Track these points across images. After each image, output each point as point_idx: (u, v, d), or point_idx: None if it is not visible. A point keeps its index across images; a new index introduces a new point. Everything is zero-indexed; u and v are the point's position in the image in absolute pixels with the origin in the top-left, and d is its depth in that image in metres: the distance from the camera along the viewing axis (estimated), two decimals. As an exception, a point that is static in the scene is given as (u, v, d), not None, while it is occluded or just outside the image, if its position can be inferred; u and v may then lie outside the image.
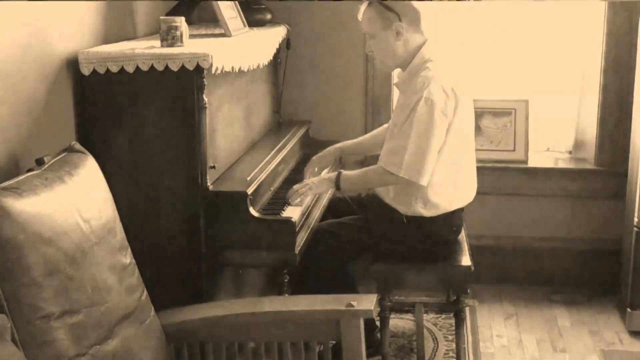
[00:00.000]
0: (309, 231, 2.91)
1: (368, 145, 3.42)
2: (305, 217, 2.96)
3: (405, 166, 2.88)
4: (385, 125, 3.36)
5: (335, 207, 3.32)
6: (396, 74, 3.17)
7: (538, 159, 4.08)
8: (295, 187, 3.00)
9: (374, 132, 3.45)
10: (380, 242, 3.08)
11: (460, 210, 3.12)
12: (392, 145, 2.96)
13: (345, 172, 3.07)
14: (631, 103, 3.68)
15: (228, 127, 2.98)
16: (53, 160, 2.09)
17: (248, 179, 2.80)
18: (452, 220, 3.08)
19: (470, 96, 3.07)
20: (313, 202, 3.14)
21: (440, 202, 3.00)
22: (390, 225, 3.06)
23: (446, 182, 2.99)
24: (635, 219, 3.50)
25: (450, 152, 2.95)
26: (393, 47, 2.97)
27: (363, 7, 3.00)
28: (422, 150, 2.87)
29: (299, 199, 2.97)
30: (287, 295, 2.79)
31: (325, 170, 3.31)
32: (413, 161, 2.88)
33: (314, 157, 3.31)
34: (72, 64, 2.54)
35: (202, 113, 2.56)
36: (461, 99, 2.92)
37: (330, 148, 3.37)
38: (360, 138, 3.47)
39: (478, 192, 3.19)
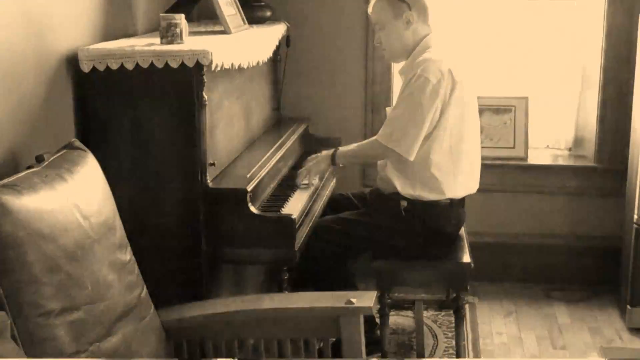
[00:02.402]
0: (309, 228, 2.91)
1: None
2: (305, 213, 2.96)
3: (394, 138, 2.97)
4: None
5: (335, 203, 3.32)
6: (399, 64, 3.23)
7: (538, 156, 4.08)
8: (299, 171, 3.17)
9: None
10: (380, 236, 3.08)
11: (461, 204, 3.13)
12: (387, 120, 3.08)
13: (341, 148, 3.19)
14: (631, 100, 3.67)
15: (228, 124, 2.98)
16: (53, 158, 2.08)
17: (248, 176, 2.80)
18: (451, 212, 3.09)
19: (473, 88, 3.11)
20: (313, 199, 3.14)
21: (439, 185, 3.01)
22: (390, 219, 3.06)
23: (446, 167, 3.02)
24: (635, 216, 3.50)
25: (449, 137, 3.00)
26: (402, 36, 3.06)
27: (373, 0, 3.07)
28: (411, 124, 2.95)
29: (305, 181, 3.14)
30: (286, 292, 2.79)
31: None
32: (401, 134, 2.96)
33: (310, 158, 3.29)
34: (72, 61, 2.54)
35: (202, 110, 2.56)
36: (459, 83, 2.96)
37: (327, 152, 3.38)
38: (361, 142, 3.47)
39: (478, 189, 3.19)
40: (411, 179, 3.03)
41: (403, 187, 3.05)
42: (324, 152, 3.19)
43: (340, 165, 3.19)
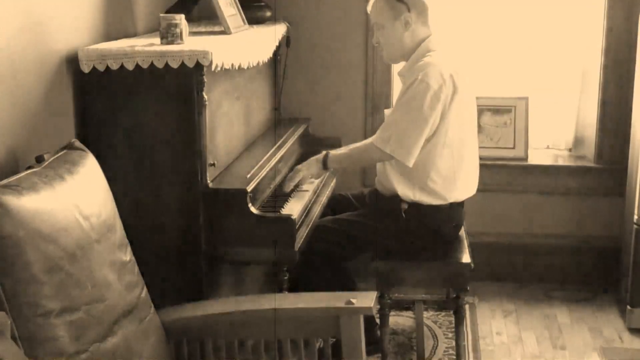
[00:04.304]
0: (308, 228, 2.91)
1: None
2: (305, 214, 2.96)
3: (393, 143, 2.94)
4: None
5: (335, 204, 3.32)
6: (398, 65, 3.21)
7: (538, 157, 4.08)
8: (288, 176, 3.11)
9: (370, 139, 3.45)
10: (380, 238, 3.08)
11: (460, 206, 3.13)
12: (385, 123, 3.04)
13: (333, 151, 3.12)
14: (631, 100, 3.68)
15: (228, 124, 2.98)
16: (53, 158, 2.09)
17: (248, 176, 2.80)
18: (451, 214, 3.09)
19: (473, 90, 3.10)
20: (313, 200, 3.14)
21: (439, 190, 3.01)
22: (390, 220, 3.06)
23: (446, 172, 3.01)
24: (635, 216, 3.50)
25: (450, 142, 2.98)
26: (401, 37, 3.03)
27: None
28: (411, 130, 2.92)
29: (291, 184, 3.07)
30: (286, 292, 2.79)
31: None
32: (401, 139, 2.93)
33: (299, 167, 3.20)
34: (72, 61, 2.54)
35: (202, 110, 2.56)
36: (460, 88, 2.95)
37: (318, 156, 3.35)
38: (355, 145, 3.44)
39: (478, 190, 3.20)
40: (412, 183, 3.02)
41: (403, 191, 3.04)
42: (314, 157, 3.14)
43: (332, 169, 3.15)
